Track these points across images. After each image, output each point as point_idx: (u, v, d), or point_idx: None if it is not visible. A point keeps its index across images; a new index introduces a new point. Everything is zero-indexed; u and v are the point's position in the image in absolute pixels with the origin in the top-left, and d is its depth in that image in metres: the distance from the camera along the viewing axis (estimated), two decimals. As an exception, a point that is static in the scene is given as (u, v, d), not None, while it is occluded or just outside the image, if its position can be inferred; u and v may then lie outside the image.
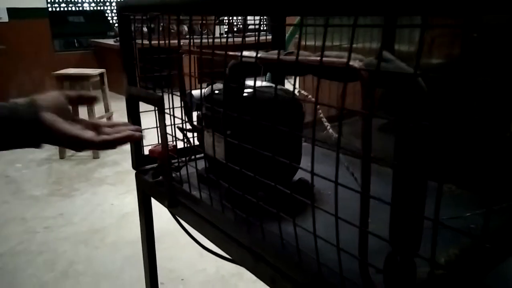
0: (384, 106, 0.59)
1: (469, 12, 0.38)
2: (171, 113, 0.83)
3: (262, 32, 0.63)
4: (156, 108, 0.84)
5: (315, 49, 0.99)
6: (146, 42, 0.93)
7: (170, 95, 0.87)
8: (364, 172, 0.50)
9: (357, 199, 0.54)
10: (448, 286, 0.57)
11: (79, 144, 0.64)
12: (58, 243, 2.33)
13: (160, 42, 0.86)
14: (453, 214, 0.76)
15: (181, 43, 0.82)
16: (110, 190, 3.02)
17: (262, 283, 0.70)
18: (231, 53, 0.64)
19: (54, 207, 2.76)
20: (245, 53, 0.61)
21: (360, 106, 0.49)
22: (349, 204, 0.52)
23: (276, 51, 0.63)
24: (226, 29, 6.51)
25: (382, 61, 0.46)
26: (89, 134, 0.65)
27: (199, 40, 0.72)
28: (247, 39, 0.68)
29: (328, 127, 0.75)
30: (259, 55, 0.60)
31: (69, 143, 0.64)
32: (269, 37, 1.15)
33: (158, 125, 0.87)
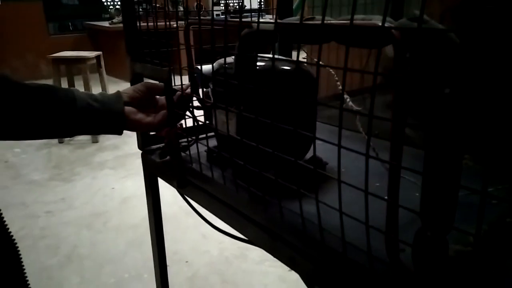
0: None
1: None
2: (181, 90, 0.79)
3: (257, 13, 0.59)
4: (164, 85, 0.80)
5: (324, 10, 0.95)
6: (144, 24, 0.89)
7: (178, 73, 0.82)
8: (395, 140, 0.47)
9: (374, 177, 0.51)
10: (480, 262, 0.54)
11: (148, 129, 0.87)
12: (60, 228, 2.31)
13: (161, 20, 0.82)
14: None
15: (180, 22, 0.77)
16: (110, 174, 2.99)
17: (266, 263, 0.68)
18: (245, 20, 0.59)
19: (55, 191, 2.74)
20: (261, 20, 0.57)
21: (382, 81, 0.45)
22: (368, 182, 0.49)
23: (293, 18, 0.58)
24: (222, 10, 6.40)
25: (416, 22, 0.42)
26: (148, 119, 0.81)
27: (200, 11, 0.67)
28: (245, 20, 0.64)
29: (348, 99, 0.71)
30: (276, 21, 0.56)
31: (141, 129, 0.89)
32: (265, 18, 1.10)
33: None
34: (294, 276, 0.62)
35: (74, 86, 3.64)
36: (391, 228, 0.50)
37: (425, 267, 0.51)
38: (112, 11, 6.18)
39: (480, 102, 0.45)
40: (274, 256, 0.68)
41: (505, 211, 0.68)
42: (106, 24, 5.77)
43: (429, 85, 0.43)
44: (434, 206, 0.48)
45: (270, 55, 0.79)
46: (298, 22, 0.53)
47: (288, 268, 0.66)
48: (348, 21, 0.45)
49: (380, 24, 0.44)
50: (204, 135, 0.87)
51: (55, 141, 3.57)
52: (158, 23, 0.86)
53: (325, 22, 0.49)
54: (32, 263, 1.96)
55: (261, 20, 0.58)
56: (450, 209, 0.48)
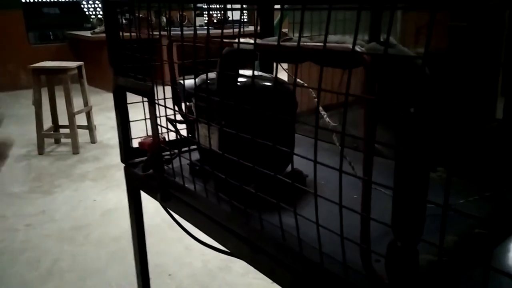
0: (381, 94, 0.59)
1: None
2: (164, 104, 0.81)
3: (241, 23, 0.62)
4: (147, 100, 0.82)
5: (300, 31, 0.98)
6: (127, 33, 0.91)
7: (161, 86, 0.84)
8: (367, 157, 0.49)
9: (351, 190, 0.54)
10: (450, 271, 0.57)
11: None
12: (41, 241, 2.27)
13: (144, 32, 0.84)
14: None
15: (163, 33, 0.79)
16: (91, 186, 2.96)
17: (250, 276, 0.69)
18: (226, 40, 0.62)
19: (35, 204, 2.69)
20: (242, 39, 0.60)
21: (360, 93, 0.48)
22: (343, 194, 0.52)
23: (272, 38, 0.61)
24: (205, 21, 6.44)
25: (385, 46, 0.45)
26: None
27: (188, 31, 0.70)
28: (227, 30, 0.67)
29: (325, 115, 0.74)
30: (255, 41, 0.59)
31: None
32: (248, 28, 1.13)
33: (147, 117, 0.85)
34: None
35: (54, 97, 3.60)
36: (365, 240, 0.53)
37: (398, 276, 0.53)
38: (94, 20, 6.16)
39: (444, 120, 0.48)
40: (255, 268, 0.69)
41: (475, 222, 0.71)
42: (87, 33, 5.74)
43: (396, 105, 0.46)
44: (403, 218, 0.51)
45: (251, 72, 0.82)
46: (276, 43, 0.56)
47: (272, 280, 0.68)
48: (322, 44, 0.48)
49: (351, 47, 0.47)
50: (186, 148, 0.88)
51: (35, 152, 3.51)
52: (141, 34, 0.87)
53: (301, 44, 0.52)
54: (12, 277, 1.92)
55: (241, 39, 0.61)
56: (419, 221, 0.51)
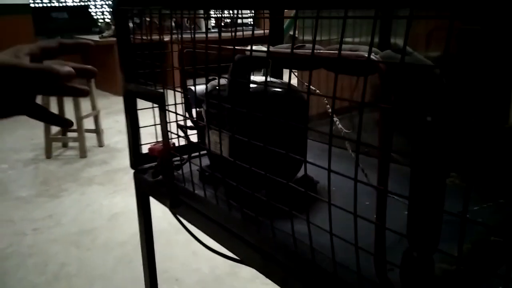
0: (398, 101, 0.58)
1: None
2: (174, 110, 0.81)
3: (249, 27, 0.62)
4: (157, 106, 0.82)
5: (314, 39, 0.98)
6: (138, 37, 0.91)
7: (172, 92, 0.84)
8: (382, 167, 0.49)
9: (363, 196, 0.53)
10: (465, 280, 0.56)
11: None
12: (48, 245, 2.27)
13: (155, 37, 0.84)
14: (459, 208, 0.76)
15: (174, 38, 0.80)
16: (99, 190, 2.97)
17: (257, 281, 0.69)
18: (239, 47, 0.62)
19: (43, 208, 2.70)
20: (254, 47, 0.60)
21: (369, 98, 0.48)
22: (357, 202, 0.51)
23: (285, 45, 0.61)
24: (213, 24, 6.46)
25: (400, 53, 0.45)
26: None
27: (195, 35, 0.70)
28: (238, 33, 0.67)
29: (337, 121, 0.74)
30: (268, 49, 0.59)
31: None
32: (257, 31, 1.13)
33: (157, 123, 0.85)
34: (286, 293, 0.63)
35: (62, 100, 3.63)
36: (379, 249, 0.52)
37: (413, 286, 0.53)
38: (102, 25, 6.20)
39: (460, 128, 0.48)
40: (266, 276, 0.69)
41: (489, 230, 0.70)
42: (96, 38, 5.78)
43: (412, 114, 0.45)
44: (419, 228, 0.50)
45: (262, 78, 0.81)
46: (289, 50, 0.55)
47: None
48: (336, 51, 0.48)
49: (366, 55, 0.46)
50: (196, 154, 0.88)
51: (43, 156, 3.53)
52: (152, 38, 0.87)
53: (315, 51, 0.52)
54: (19, 282, 1.93)
55: (254, 46, 0.60)
56: (435, 231, 0.50)
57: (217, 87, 0.74)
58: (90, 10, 6.92)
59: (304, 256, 0.61)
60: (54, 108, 3.56)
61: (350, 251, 0.53)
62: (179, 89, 0.84)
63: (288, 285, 0.64)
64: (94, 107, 3.64)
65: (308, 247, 0.59)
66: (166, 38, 0.91)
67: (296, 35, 1.26)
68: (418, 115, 0.46)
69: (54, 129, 3.59)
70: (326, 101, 0.80)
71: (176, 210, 0.89)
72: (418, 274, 0.52)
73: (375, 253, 0.53)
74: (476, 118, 0.88)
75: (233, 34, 0.64)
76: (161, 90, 0.82)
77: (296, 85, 1.04)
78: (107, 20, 6.59)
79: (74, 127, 3.48)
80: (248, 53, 0.62)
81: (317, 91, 0.70)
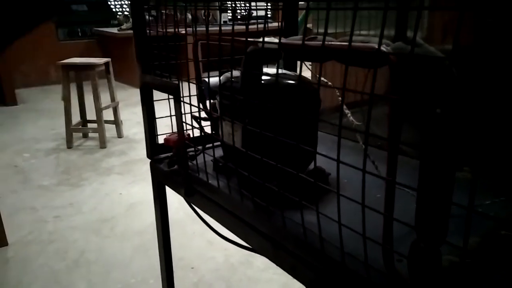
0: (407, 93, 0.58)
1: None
2: (189, 102, 0.82)
3: (263, 21, 0.63)
4: (172, 97, 0.84)
5: (325, 31, 0.98)
6: (154, 30, 0.92)
7: (186, 84, 0.86)
8: (391, 158, 0.49)
9: (374, 188, 0.53)
10: (473, 273, 0.57)
11: None
12: (68, 232, 2.34)
13: (171, 30, 0.85)
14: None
15: (189, 31, 0.81)
16: (117, 179, 3.03)
17: (271, 271, 0.70)
18: (251, 39, 0.63)
19: (63, 196, 2.78)
20: (266, 39, 0.60)
21: (383, 92, 0.48)
22: (366, 193, 0.52)
23: (297, 37, 0.62)
24: (229, 17, 6.46)
25: (411, 45, 0.45)
26: None
27: (213, 28, 0.71)
28: (252, 26, 0.67)
29: (349, 114, 0.74)
30: (280, 40, 0.59)
31: None
32: (272, 24, 1.13)
33: (172, 114, 0.87)
34: (298, 284, 0.64)
35: (83, 92, 3.70)
36: (387, 240, 0.53)
37: (420, 277, 0.53)
38: (121, 17, 6.27)
39: (470, 120, 0.48)
40: (277, 264, 0.70)
41: (500, 224, 0.70)
42: (114, 30, 5.85)
43: (422, 106, 0.46)
44: (427, 219, 0.50)
45: (274, 70, 0.82)
46: (300, 42, 0.56)
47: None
48: (347, 43, 0.48)
49: (376, 47, 0.47)
50: (210, 145, 0.90)
51: (64, 146, 3.62)
52: (167, 30, 0.89)
53: (326, 43, 0.52)
54: (40, 267, 2.00)
55: (266, 38, 0.61)
56: (443, 223, 0.50)
57: (231, 79, 0.75)
58: (109, 2, 6.99)
59: (313, 246, 0.62)
60: (74, 99, 3.65)
61: (359, 241, 0.54)
62: (193, 81, 0.85)
63: (297, 273, 0.66)
64: (113, 98, 3.71)
65: (318, 237, 0.60)
66: (182, 31, 0.92)
67: (311, 27, 1.25)
68: (428, 107, 0.46)
69: (75, 119, 3.67)
70: (338, 93, 0.80)
71: (190, 198, 0.91)
72: (425, 265, 0.52)
73: (383, 243, 0.53)
74: (487, 112, 0.87)
75: (247, 26, 0.65)
76: (176, 82, 0.84)
77: (310, 77, 1.04)
78: (125, 13, 6.66)
79: (94, 118, 3.56)
80: (260, 45, 0.63)
81: (329, 83, 0.71)
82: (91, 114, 3.70)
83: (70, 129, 3.59)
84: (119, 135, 3.84)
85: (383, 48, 0.47)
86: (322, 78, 0.56)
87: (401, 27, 1.06)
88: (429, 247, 0.51)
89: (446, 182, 0.49)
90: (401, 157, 0.51)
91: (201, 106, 0.89)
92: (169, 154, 1.04)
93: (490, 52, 0.81)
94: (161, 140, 1.05)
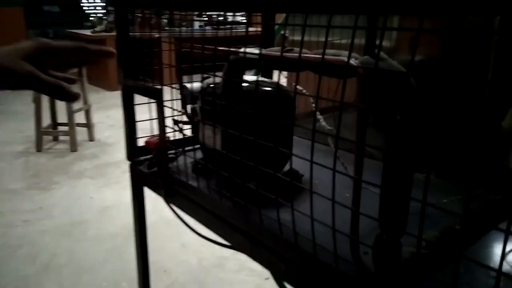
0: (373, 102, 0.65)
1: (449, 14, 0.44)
2: (171, 106, 0.87)
3: (242, 25, 0.68)
4: (155, 101, 0.88)
5: (301, 45, 1.05)
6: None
7: (166, 88, 0.90)
8: (358, 158, 0.56)
9: (344, 188, 0.60)
10: (430, 263, 0.63)
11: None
12: (38, 237, 2.31)
13: (145, 34, 0.90)
14: (431, 200, 0.84)
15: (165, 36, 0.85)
16: (89, 183, 3.00)
17: (243, 273, 0.75)
18: (233, 49, 0.68)
19: (33, 200, 2.73)
20: (247, 49, 0.66)
21: (352, 100, 0.54)
22: (336, 193, 0.58)
23: (275, 48, 0.67)
24: (204, 23, 6.49)
25: (377, 59, 0.52)
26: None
27: (189, 33, 0.76)
28: (230, 32, 0.73)
29: (321, 119, 0.80)
30: (261, 51, 0.65)
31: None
32: (250, 29, 1.19)
33: (153, 117, 0.91)
34: (271, 285, 0.69)
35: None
36: (354, 232, 0.59)
37: (383, 266, 0.59)
38: (95, 19, 6.20)
39: (429, 125, 0.54)
40: (255, 260, 0.75)
41: (456, 220, 0.78)
42: (88, 32, 5.78)
43: (385, 113, 0.52)
44: (389, 213, 0.57)
45: (254, 77, 0.88)
46: (279, 54, 0.62)
47: (265, 277, 0.74)
48: (321, 56, 0.54)
49: (346, 60, 0.53)
50: (190, 147, 0.94)
51: (33, 149, 3.54)
52: (143, 35, 0.93)
53: (302, 55, 0.58)
54: (10, 272, 1.96)
55: (247, 49, 0.67)
56: (403, 216, 0.57)
57: (212, 85, 0.80)
58: (82, 4, 6.89)
59: (288, 240, 0.68)
60: (45, 101, 3.58)
61: (330, 235, 0.60)
62: (174, 86, 0.90)
63: (273, 266, 0.71)
64: (85, 101, 3.67)
65: (292, 231, 0.66)
66: (159, 35, 0.97)
67: (287, 35, 1.32)
68: (389, 114, 0.53)
69: (45, 122, 3.60)
70: (311, 100, 0.86)
71: (170, 199, 0.95)
72: (387, 255, 0.59)
73: (351, 235, 0.59)
74: (449, 117, 0.95)
75: (227, 34, 0.70)
76: (159, 87, 0.88)
77: (285, 84, 1.11)
78: (99, 15, 6.58)
79: (65, 121, 3.50)
80: (242, 54, 0.68)
81: (304, 91, 0.77)
82: (62, 117, 3.64)
83: (40, 132, 3.52)
84: (91, 138, 3.80)
85: (352, 61, 0.53)
86: (298, 86, 0.62)
87: (370, 38, 1.14)
88: (390, 238, 0.58)
89: (406, 181, 0.55)
90: (369, 160, 0.58)
91: (182, 110, 0.93)
92: (148, 157, 1.07)
93: (448, 66, 0.90)
94: (138, 143, 1.08)
